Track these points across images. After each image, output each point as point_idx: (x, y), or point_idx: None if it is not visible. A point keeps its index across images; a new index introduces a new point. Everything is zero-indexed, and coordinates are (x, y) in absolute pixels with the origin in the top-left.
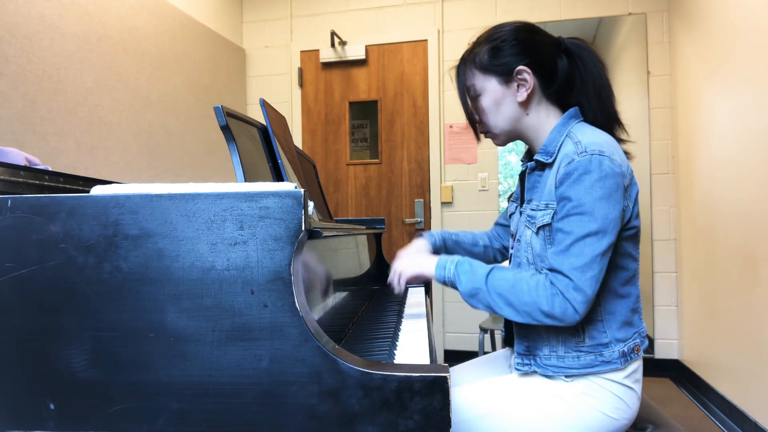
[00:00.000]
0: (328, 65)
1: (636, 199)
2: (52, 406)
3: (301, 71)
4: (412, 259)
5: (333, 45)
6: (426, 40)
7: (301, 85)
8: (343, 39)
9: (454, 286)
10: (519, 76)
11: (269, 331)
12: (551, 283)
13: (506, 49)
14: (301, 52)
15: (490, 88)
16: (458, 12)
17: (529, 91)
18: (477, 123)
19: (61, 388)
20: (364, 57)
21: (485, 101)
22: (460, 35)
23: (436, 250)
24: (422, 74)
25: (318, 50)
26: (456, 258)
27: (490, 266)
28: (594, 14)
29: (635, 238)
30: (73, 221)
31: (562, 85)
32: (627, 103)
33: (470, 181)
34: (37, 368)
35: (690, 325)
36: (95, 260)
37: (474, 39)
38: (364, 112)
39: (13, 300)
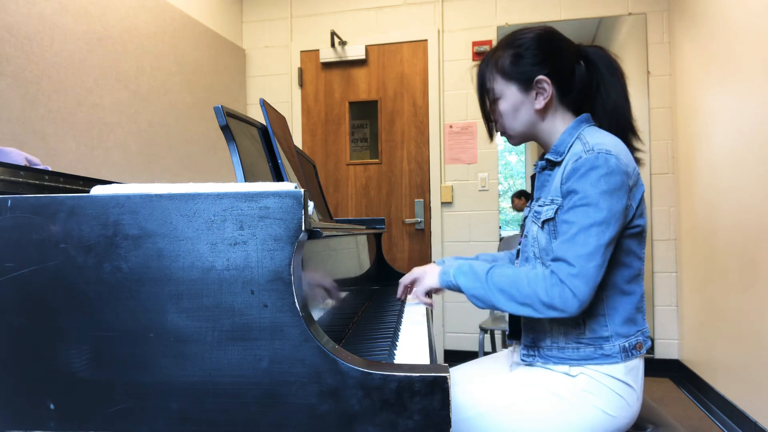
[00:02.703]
0: (328, 65)
1: (641, 199)
2: (52, 406)
3: (301, 71)
4: (420, 273)
5: (333, 45)
6: (426, 40)
7: (301, 85)
8: (343, 39)
9: (459, 290)
10: (539, 86)
11: (269, 331)
12: (552, 272)
13: (528, 57)
14: (301, 52)
15: (509, 93)
16: (458, 12)
17: (547, 99)
18: (493, 122)
19: (61, 388)
20: (364, 57)
21: (504, 105)
22: (460, 35)
23: None
24: (422, 74)
25: (318, 50)
26: (456, 263)
27: (490, 265)
28: (594, 14)
29: (640, 236)
30: (73, 221)
31: (578, 93)
32: None
33: (470, 181)
34: (37, 368)
35: (690, 325)
36: (95, 260)
37: (497, 42)
38: (364, 112)
39: (13, 300)
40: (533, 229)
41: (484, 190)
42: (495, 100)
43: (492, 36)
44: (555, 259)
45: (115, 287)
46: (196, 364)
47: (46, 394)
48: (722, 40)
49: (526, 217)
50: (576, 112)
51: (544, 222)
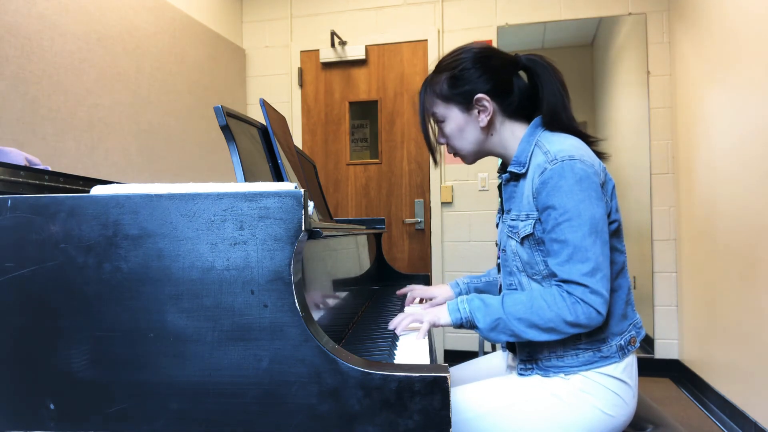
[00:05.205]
0: (328, 65)
1: (613, 194)
2: (52, 406)
3: (301, 71)
4: (428, 310)
5: (333, 45)
6: (426, 40)
7: (301, 85)
8: (343, 39)
9: (472, 326)
10: (479, 104)
11: (269, 331)
12: (567, 293)
13: (464, 78)
14: (301, 52)
15: (452, 115)
16: (458, 12)
17: (489, 116)
18: (434, 148)
19: (61, 388)
20: (364, 57)
21: (449, 127)
22: (460, 35)
23: None
24: (422, 74)
25: (318, 50)
26: (465, 297)
27: (500, 295)
28: (594, 14)
29: (618, 231)
30: (73, 221)
31: (521, 103)
32: (627, 103)
33: (470, 181)
34: (37, 368)
35: (690, 325)
36: (95, 260)
37: (435, 65)
38: (364, 112)
39: (13, 300)
40: (511, 243)
41: (484, 190)
42: (440, 123)
43: (492, 36)
44: (563, 281)
45: (115, 287)
46: (196, 364)
47: (46, 394)
48: (722, 40)
49: (498, 224)
50: (528, 119)
51: (523, 238)
